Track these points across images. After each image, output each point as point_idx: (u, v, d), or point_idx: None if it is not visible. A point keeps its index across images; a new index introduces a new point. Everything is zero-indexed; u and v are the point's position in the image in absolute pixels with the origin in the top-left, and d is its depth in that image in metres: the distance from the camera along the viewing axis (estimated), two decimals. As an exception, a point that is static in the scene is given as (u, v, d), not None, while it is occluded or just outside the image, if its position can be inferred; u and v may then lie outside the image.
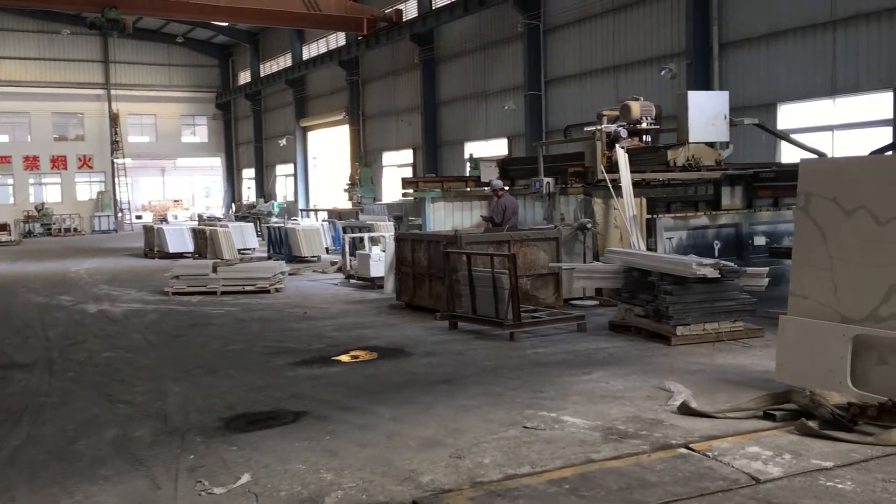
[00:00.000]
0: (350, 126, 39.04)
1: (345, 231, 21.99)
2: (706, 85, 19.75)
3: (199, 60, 52.77)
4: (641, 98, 14.98)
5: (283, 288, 15.69)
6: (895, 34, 15.99)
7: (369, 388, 7.57)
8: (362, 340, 10.07)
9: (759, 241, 13.61)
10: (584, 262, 12.60)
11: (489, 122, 29.40)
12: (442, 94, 32.24)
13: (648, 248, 12.71)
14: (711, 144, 14.46)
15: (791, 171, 13.91)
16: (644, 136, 14.53)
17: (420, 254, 12.48)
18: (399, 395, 7.23)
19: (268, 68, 47.56)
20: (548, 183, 14.07)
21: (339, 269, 19.29)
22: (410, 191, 19.52)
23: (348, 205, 34.45)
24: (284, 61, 45.04)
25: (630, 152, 13.44)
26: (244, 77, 51.16)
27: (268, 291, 15.35)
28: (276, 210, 38.43)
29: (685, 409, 6.21)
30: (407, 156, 35.53)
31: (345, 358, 9.06)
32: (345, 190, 35.33)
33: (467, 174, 24.28)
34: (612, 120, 14.61)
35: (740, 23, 19.28)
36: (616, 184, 13.09)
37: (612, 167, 13.29)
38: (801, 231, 6.86)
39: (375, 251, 15.97)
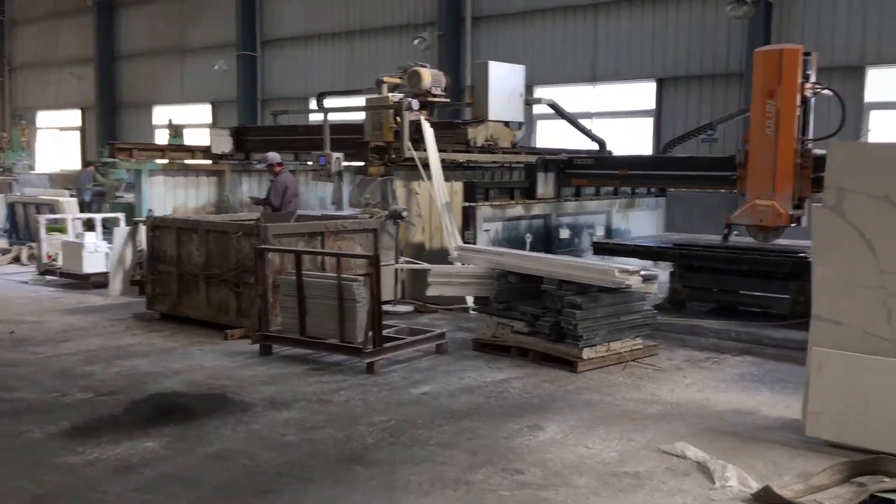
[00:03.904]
0: (-7, 76, 31.87)
1: (13, 206, 17.03)
2: (458, 59, 18.41)
3: None
4: (428, 65, 12.99)
5: (-51, 289, 11.15)
6: (659, 24, 15.91)
7: (235, 490, 4.64)
8: (147, 382, 6.79)
9: (564, 234, 12.44)
10: (397, 259, 10.33)
11: (188, 83, 25.40)
12: (123, 46, 27.29)
13: (465, 242, 10.83)
14: (506, 123, 12.98)
15: (611, 159, 13.00)
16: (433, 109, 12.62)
17: (191, 247, 9.22)
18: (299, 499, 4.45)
19: None
20: (337, 159, 11.49)
21: (16, 259, 14.69)
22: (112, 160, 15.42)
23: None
24: None
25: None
26: None
27: (-74, 295, 10.76)
28: None
29: (768, 497, 4.36)
30: (73, 117, 29.75)
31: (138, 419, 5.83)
32: (-11, 154, 28.50)
33: (167, 142, 20.48)
34: (393, 88, 12.42)
35: (496, -4, 18.20)
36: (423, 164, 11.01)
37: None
38: (831, 236, 5.37)
39: (91, 239, 12.03)
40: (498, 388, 6.71)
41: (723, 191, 10.84)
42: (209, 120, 24.69)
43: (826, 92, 9.83)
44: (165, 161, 15.27)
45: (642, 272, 7.18)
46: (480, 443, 5.36)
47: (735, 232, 10.50)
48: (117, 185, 18.23)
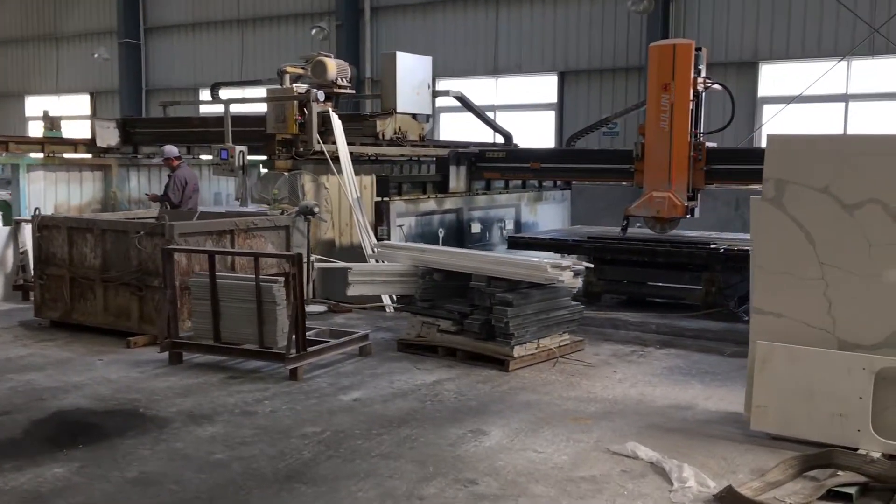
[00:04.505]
0: None
1: None
2: (356, 50, 17.98)
3: None
4: (332, 55, 12.59)
5: None
6: (560, 17, 15.98)
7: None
8: (47, 398, 6.15)
9: (476, 228, 12.28)
10: (308, 257, 9.89)
11: (64, 72, 23.83)
12: (-10, 32, 25.34)
13: (378, 238, 10.50)
14: (414, 116, 12.70)
15: (523, 152, 12.87)
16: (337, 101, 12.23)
17: (85, 248, 8.50)
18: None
19: None
20: (240, 153, 10.91)
21: None
22: None
23: None
24: None
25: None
26: None
27: None
28: None
29: (731, 497, 4.28)
30: (-67, 107, 27.41)
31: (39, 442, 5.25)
32: None
33: (43, 135, 19.10)
34: (296, 78, 11.95)
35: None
36: (333, 157, 10.62)
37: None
38: (770, 229, 5.38)
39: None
40: (431, 391, 6.45)
41: (624, 183, 10.97)
42: (88, 111, 23.18)
43: (716, 87, 10.09)
44: (44, 155, 14.14)
45: (573, 267, 7.06)
46: (425, 451, 5.08)
47: (638, 223, 10.65)
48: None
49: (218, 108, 17.79)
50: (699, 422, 5.68)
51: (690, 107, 9.61)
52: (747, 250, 9.15)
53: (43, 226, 8.79)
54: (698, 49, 9.64)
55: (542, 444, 5.20)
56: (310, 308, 9.73)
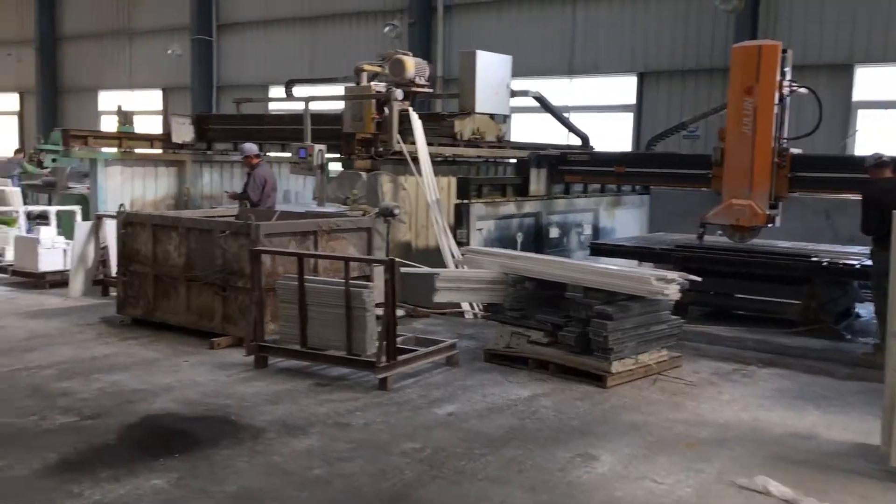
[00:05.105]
0: (-80, 55, 29.81)
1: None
2: (428, 48, 17.73)
3: None
4: (410, 53, 12.34)
5: None
6: (640, 15, 15.49)
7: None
8: (136, 401, 6.02)
9: (554, 233, 11.94)
10: (386, 257, 9.65)
11: (136, 67, 24.09)
12: (66, 27, 25.81)
13: (457, 241, 10.24)
14: (491, 116, 12.40)
15: (607, 155, 12.50)
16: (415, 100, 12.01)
17: (169, 246, 8.40)
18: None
19: None
20: (319, 151, 10.75)
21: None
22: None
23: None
24: None
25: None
26: None
27: None
28: None
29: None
30: (10, 101, 28.08)
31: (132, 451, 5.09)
32: (-84, 139, 26.65)
33: (116, 130, 19.30)
34: (373, 76, 11.73)
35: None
36: (413, 158, 10.39)
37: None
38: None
39: (47, 235, 11.04)
40: (528, 406, 6.15)
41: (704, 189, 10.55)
42: (160, 107, 23.49)
43: (802, 90, 9.62)
44: (120, 150, 14.21)
45: (679, 280, 6.68)
46: (535, 476, 4.78)
47: (718, 231, 10.22)
48: (46, 174, 17.01)
49: (289, 106, 17.79)
50: (826, 454, 5.27)
51: (775, 111, 9.22)
52: (853, 264, 8.71)
53: (128, 223, 8.72)
54: (784, 51, 9.24)
55: (660, 472, 4.86)
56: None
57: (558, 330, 7.04)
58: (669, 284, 6.55)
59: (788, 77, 9.33)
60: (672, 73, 15.22)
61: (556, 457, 5.10)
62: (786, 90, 9.31)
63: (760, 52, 9.20)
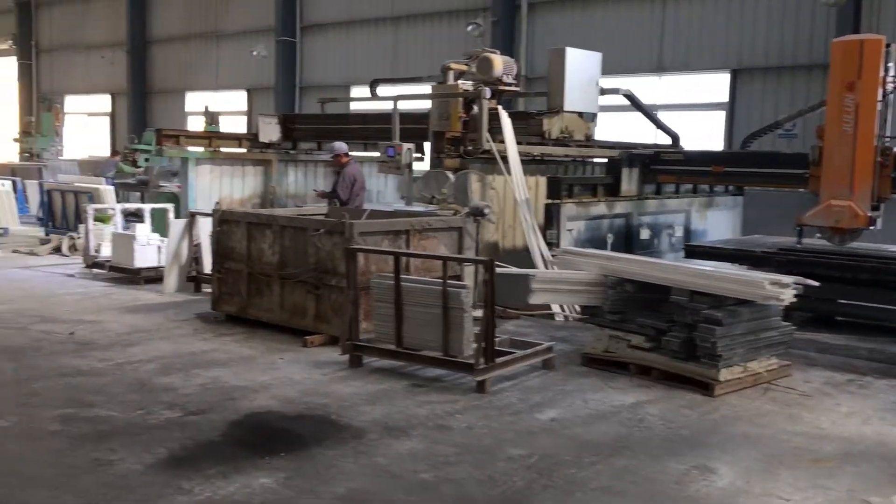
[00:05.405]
0: (19, 59, 31.16)
1: (50, 194, 16.33)
2: (511, 46, 17.54)
3: None
4: (498, 51, 12.18)
5: (-7, 283, 10.43)
6: (734, 10, 14.99)
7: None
8: (236, 398, 6.03)
9: (645, 234, 11.62)
10: (474, 256, 9.53)
11: (223, 69, 24.59)
12: (156, 31, 26.56)
13: (547, 242, 10.05)
14: (580, 114, 12.16)
15: (703, 154, 12.14)
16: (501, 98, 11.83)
17: (264, 244, 8.45)
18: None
19: None
20: (408, 150, 10.70)
21: (57, 250, 13.98)
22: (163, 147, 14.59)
23: (17, 159, 26.94)
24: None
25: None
26: None
27: (-31, 288, 10.05)
28: None
29: None
30: (103, 102, 29.05)
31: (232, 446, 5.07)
32: (15, 140, 27.72)
33: (203, 130, 19.72)
34: (459, 75, 11.61)
35: (558, -18, 17.33)
36: (502, 157, 10.24)
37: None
38: None
39: (143, 232, 11.28)
40: (633, 414, 5.92)
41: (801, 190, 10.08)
42: (244, 107, 23.95)
43: None
44: (206, 149, 14.46)
45: (794, 285, 6.35)
46: (651, 488, 4.57)
47: (817, 234, 9.76)
48: (145, 173, 17.45)
49: (370, 105, 17.87)
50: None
51: (878, 108, 8.76)
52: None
53: (223, 220, 8.81)
54: (888, 45, 8.78)
55: (785, 489, 4.59)
56: (476, 313, 9.41)
57: (661, 335, 6.78)
58: (784, 289, 6.22)
59: (893, 73, 8.88)
60: (767, 69, 14.68)
61: (669, 468, 4.87)
62: (890, 86, 8.86)
63: (863, 46, 8.76)
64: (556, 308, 9.51)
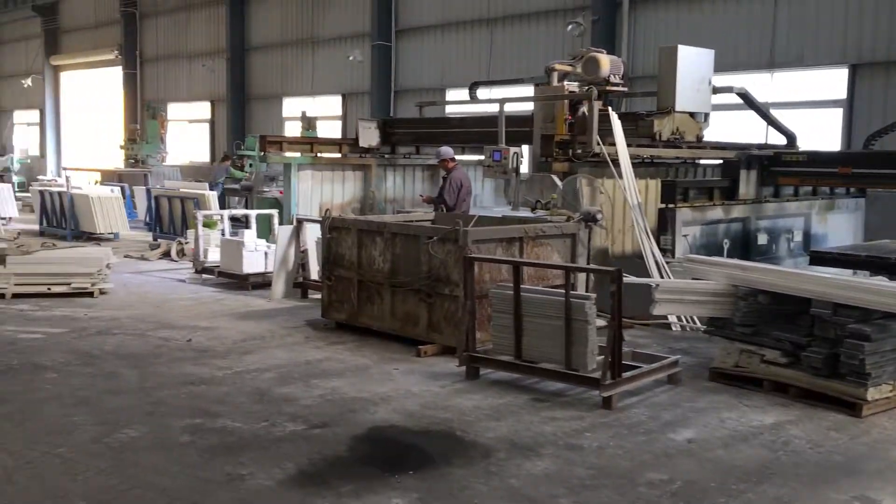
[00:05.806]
0: (124, 69, 32.31)
1: (158, 200, 16.81)
2: (612, 46, 17.06)
3: None
4: (604, 50, 11.81)
5: (110, 288, 10.69)
6: (852, 1, 14.17)
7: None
8: (357, 410, 5.92)
9: (762, 239, 11.07)
10: (586, 265, 9.23)
11: (318, 75, 24.88)
12: (254, 38, 27.08)
13: (661, 248, 9.67)
14: (691, 115, 11.67)
15: (827, 155, 11.54)
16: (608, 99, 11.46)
17: (374, 252, 8.37)
18: None
19: (5, -11, 38.60)
20: (514, 154, 10.49)
21: (166, 255, 14.33)
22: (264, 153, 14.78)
23: (122, 165, 27.88)
24: (30, -20, 36.63)
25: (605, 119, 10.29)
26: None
27: (90, 294, 10.31)
28: (16, 167, 30.88)
29: None
30: (202, 109, 29.86)
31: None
32: (121, 147, 28.72)
33: (301, 135, 19.96)
34: (563, 76, 11.29)
35: (660, -21, 16.79)
36: (612, 160, 9.90)
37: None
38: None
39: (250, 238, 11.41)
40: (776, 436, 5.54)
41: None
42: (339, 112, 24.17)
43: None
44: (306, 155, 14.57)
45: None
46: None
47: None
48: (250, 178, 17.79)
49: (470, 108, 17.72)
50: None
51: None
52: None
53: (333, 227, 8.78)
54: None
55: (965, 528, 4.17)
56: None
57: (799, 350, 6.36)
58: (944, 303, 5.73)
59: None
60: (889, 63, 13.82)
61: (828, 498, 4.50)
62: None
63: None
64: (671, 318, 9.13)
